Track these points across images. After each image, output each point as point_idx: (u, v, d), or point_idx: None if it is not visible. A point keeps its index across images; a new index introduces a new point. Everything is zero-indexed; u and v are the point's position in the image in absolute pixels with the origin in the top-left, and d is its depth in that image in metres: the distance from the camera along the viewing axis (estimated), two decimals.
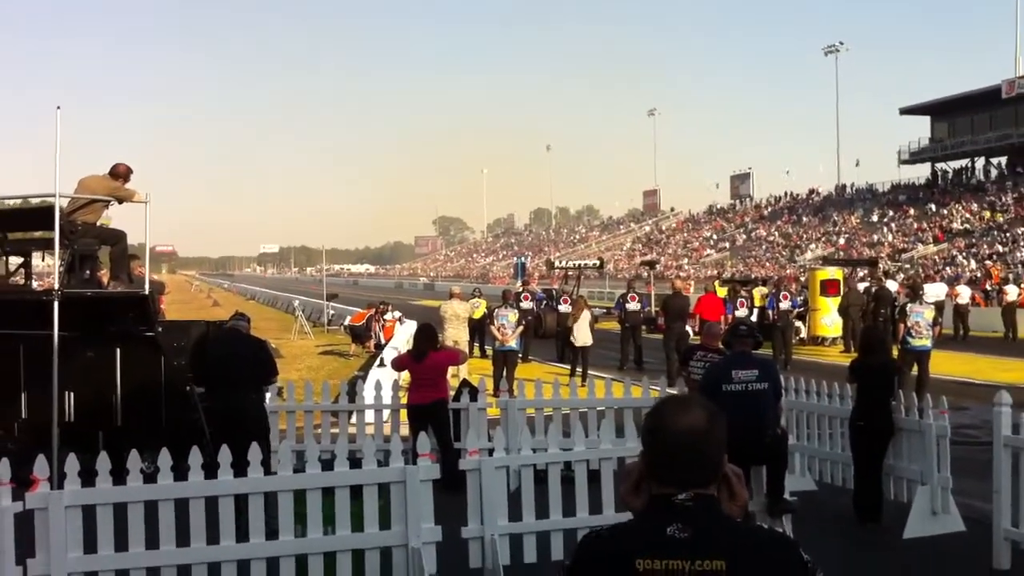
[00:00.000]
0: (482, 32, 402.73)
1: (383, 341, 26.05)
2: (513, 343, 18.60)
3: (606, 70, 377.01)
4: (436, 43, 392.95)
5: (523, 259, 69.36)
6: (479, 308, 24.33)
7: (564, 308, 23.72)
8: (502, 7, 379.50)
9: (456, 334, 19.84)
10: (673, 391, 10.71)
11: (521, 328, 19.16)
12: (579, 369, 20.10)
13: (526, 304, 24.43)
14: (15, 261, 11.85)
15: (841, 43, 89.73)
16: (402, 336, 24.32)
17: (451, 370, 12.74)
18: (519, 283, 30.58)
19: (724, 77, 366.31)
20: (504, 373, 17.59)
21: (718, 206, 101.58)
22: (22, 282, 11.74)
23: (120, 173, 11.37)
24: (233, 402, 9.33)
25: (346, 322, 31.62)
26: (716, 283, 27.37)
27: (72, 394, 11.20)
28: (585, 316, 20.68)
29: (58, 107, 9.95)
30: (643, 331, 24.28)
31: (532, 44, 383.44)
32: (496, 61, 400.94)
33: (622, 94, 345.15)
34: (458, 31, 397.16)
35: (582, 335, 20.31)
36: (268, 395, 10.96)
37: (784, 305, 22.88)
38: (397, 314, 29.06)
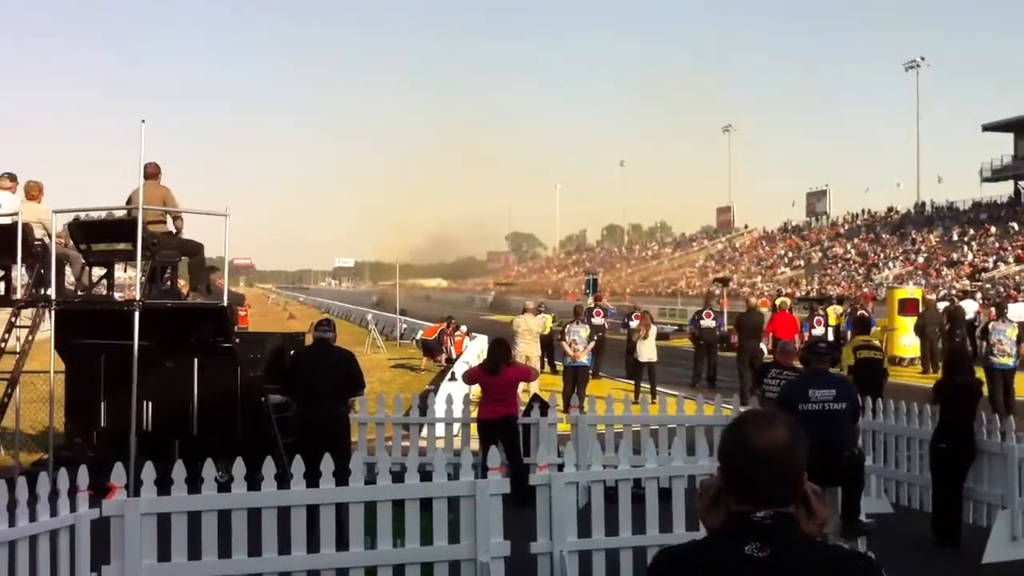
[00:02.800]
0: (557, 48, 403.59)
1: (454, 355, 26.21)
2: (584, 359, 18.57)
3: (682, 85, 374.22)
4: (510, 59, 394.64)
5: (594, 276, 69.17)
6: (547, 323, 24.27)
7: (634, 324, 23.59)
8: (579, 23, 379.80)
9: (528, 349, 19.80)
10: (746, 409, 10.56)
11: (592, 344, 19.12)
12: (644, 385, 19.98)
13: (598, 320, 24.29)
14: (98, 272, 12.10)
15: (922, 58, 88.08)
16: (473, 350, 24.42)
17: (521, 385, 12.72)
18: (591, 299, 30.44)
19: (802, 93, 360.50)
20: (575, 389, 17.53)
21: (793, 223, 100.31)
22: (104, 293, 11.99)
23: (153, 172, 11.49)
24: (319, 414, 9.42)
25: (418, 336, 31.84)
26: (780, 300, 27.00)
27: (150, 403, 11.41)
28: (652, 332, 20.68)
29: (143, 121, 10.22)
30: (718, 348, 24.13)
31: (607, 60, 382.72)
32: (570, 76, 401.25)
33: (697, 110, 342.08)
34: (531, 47, 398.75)
35: (647, 351, 20.25)
36: (356, 407, 11.09)
37: None
38: (464, 329, 29.28)
